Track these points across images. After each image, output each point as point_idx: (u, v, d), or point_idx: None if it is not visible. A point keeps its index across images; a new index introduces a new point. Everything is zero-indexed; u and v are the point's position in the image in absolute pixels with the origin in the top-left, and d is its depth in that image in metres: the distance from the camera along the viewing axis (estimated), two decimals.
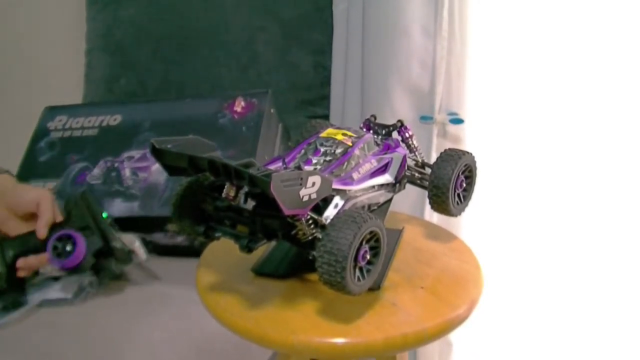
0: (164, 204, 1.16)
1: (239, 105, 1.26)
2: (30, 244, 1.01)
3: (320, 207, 0.64)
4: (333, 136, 0.73)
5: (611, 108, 1.15)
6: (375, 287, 0.70)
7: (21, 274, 0.98)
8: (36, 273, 1.03)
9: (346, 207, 0.66)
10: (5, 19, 1.74)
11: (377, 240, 0.63)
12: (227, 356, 1.02)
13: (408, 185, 0.81)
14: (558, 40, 1.15)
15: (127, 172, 1.22)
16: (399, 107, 1.23)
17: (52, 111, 1.38)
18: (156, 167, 1.20)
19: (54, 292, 1.03)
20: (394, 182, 0.76)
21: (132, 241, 1.07)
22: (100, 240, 1.03)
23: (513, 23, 1.17)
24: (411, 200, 1.24)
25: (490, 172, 1.06)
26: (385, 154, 0.76)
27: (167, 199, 1.17)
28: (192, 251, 1.14)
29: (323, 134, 0.74)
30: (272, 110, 1.27)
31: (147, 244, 1.21)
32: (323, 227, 0.63)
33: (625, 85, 1.13)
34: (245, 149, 1.19)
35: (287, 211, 0.56)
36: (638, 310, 1.22)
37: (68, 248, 1.00)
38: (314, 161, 0.70)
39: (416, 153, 0.83)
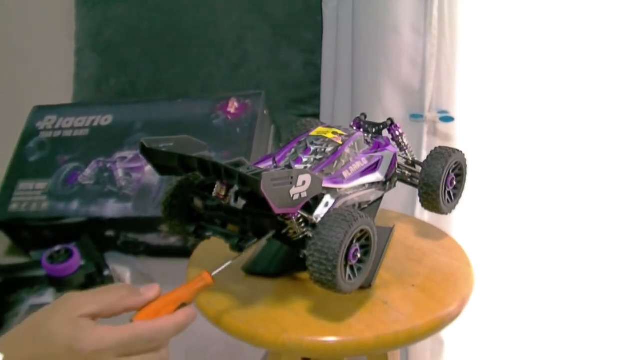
0: (158, 205, 1.16)
1: (233, 106, 1.26)
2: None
3: (310, 205, 0.64)
4: (323, 135, 0.73)
5: (600, 105, 1.15)
6: (367, 286, 0.70)
7: None
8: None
9: (337, 206, 0.66)
10: None
11: (368, 239, 0.63)
12: (219, 356, 1.02)
13: (398, 184, 0.81)
14: (548, 38, 1.15)
15: (119, 173, 1.22)
16: (389, 105, 1.23)
17: (41, 111, 1.36)
18: (149, 168, 1.19)
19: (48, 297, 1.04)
20: (384, 180, 0.76)
21: (124, 272, 1.08)
22: (94, 266, 1.05)
23: (503, 21, 1.18)
24: (402, 198, 1.24)
25: (480, 170, 1.06)
26: (376, 152, 0.77)
27: None
28: (185, 252, 1.14)
29: (313, 133, 0.74)
30: (265, 112, 1.27)
31: (139, 244, 1.21)
32: (314, 225, 0.63)
33: (612, 81, 1.13)
34: (240, 150, 1.19)
35: (277, 210, 0.56)
36: (627, 306, 1.23)
37: (63, 258, 1.02)
38: (304, 160, 0.70)
39: (406, 151, 0.83)
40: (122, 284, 0.56)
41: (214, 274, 0.59)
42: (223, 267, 0.60)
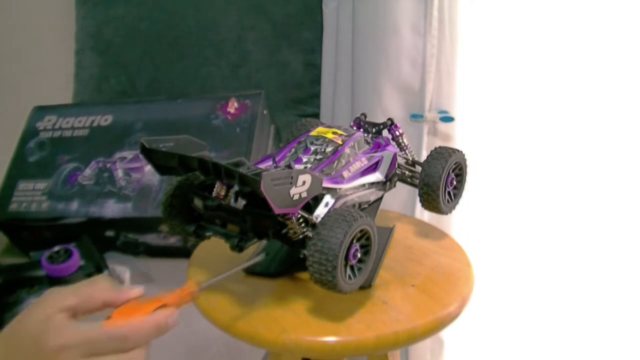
0: (158, 205, 1.16)
1: (232, 106, 1.25)
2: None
3: (310, 205, 0.64)
4: (323, 135, 0.73)
5: (600, 105, 1.15)
6: (367, 286, 0.70)
7: None
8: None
9: (337, 206, 0.66)
10: None
11: (368, 239, 0.63)
12: (219, 356, 1.02)
13: (399, 184, 0.81)
14: (547, 38, 1.16)
15: (119, 173, 1.22)
16: (389, 105, 1.23)
17: (41, 111, 1.36)
18: (149, 168, 1.19)
19: None
20: (384, 180, 0.76)
21: (124, 272, 1.08)
22: (93, 267, 1.04)
23: (503, 21, 1.18)
24: (402, 198, 1.24)
25: (480, 170, 1.06)
26: (376, 152, 0.77)
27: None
28: (185, 252, 1.14)
29: (313, 133, 0.74)
30: (265, 112, 1.27)
31: (139, 244, 1.21)
32: (314, 225, 0.63)
33: (613, 81, 1.13)
34: (239, 150, 1.19)
35: (277, 210, 0.56)
36: (627, 306, 1.23)
37: (63, 258, 1.02)
38: (304, 160, 0.70)
39: (406, 151, 0.83)
40: (106, 276, 0.54)
41: (203, 285, 0.57)
42: (214, 280, 0.60)
